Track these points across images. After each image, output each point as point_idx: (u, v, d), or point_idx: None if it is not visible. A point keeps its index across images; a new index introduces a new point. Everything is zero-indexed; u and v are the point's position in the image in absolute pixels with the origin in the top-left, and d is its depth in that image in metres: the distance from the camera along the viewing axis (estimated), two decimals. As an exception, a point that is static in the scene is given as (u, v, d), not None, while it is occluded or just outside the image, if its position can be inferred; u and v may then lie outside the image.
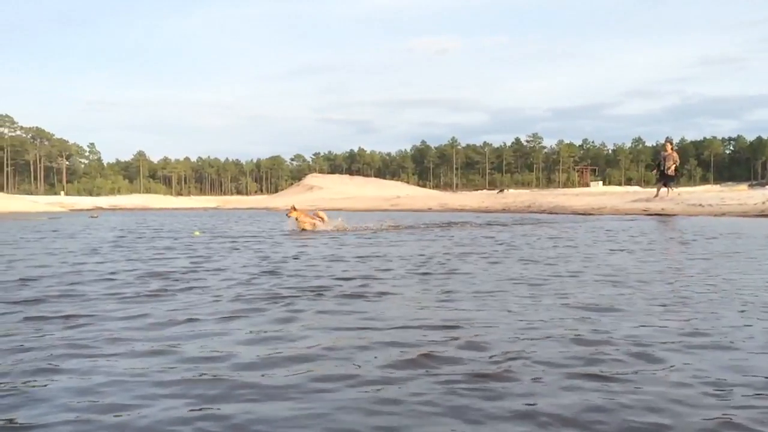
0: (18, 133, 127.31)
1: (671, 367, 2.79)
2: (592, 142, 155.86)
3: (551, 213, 23.76)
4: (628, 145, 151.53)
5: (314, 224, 13.51)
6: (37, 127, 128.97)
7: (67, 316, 4.02)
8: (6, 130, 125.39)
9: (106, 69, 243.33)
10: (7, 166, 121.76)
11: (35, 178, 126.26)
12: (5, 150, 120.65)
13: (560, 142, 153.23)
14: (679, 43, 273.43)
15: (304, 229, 13.24)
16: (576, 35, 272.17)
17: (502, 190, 66.64)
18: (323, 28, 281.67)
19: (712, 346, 3.13)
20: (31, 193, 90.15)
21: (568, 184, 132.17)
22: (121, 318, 3.94)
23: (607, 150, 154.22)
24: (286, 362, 2.94)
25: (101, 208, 49.04)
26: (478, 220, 19.22)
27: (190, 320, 3.88)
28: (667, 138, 22.62)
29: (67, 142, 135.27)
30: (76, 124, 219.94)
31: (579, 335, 3.36)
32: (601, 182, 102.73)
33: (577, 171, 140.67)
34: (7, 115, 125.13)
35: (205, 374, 2.76)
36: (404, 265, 6.77)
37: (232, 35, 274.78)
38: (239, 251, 8.95)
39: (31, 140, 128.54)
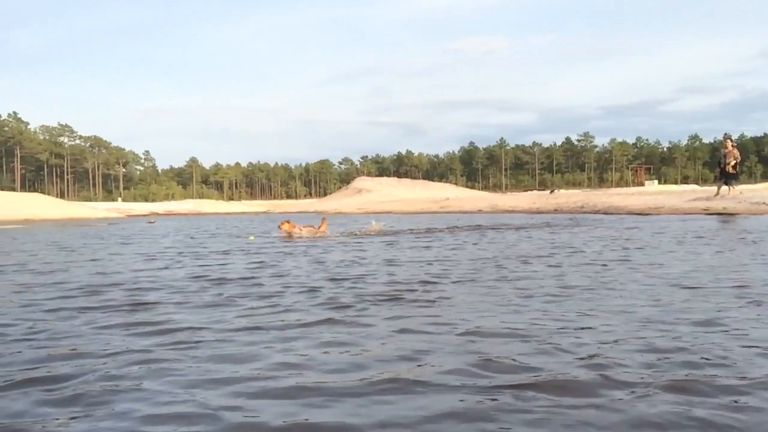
0: (77, 142, 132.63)
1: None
2: (646, 140, 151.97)
3: (606, 213, 23.17)
4: (684, 142, 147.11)
5: (297, 233, 13.94)
6: (95, 135, 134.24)
7: (135, 325, 4.05)
8: (66, 140, 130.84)
9: (160, 78, 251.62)
10: (68, 174, 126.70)
11: (93, 185, 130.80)
12: (65, 158, 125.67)
13: (613, 140, 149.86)
14: (737, 35, 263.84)
15: (284, 232, 13.83)
16: (626, 30, 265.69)
17: (553, 191, 65.51)
18: (370, 32, 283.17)
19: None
20: (90, 200, 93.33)
21: (621, 183, 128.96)
22: (188, 328, 3.90)
23: (662, 148, 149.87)
24: (370, 388, 2.68)
25: (157, 214, 50.34)
26: (531, 221, 18.88)
27: (256, 329, 3.84)
28: (726, 134, 22.00)
29: (124, 149, 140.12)
30: (132, 133, 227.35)
31: (666, 351, 3.16)
32: (656, 181, 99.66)
33: (631, 170, 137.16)
34: (66, 125, 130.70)
35: (285, 396, 2.66)
36: (465, 269, 6.62)
37: (281, 42, 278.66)
38: (294, 256, 8.98)
39: (90, 149, 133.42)
